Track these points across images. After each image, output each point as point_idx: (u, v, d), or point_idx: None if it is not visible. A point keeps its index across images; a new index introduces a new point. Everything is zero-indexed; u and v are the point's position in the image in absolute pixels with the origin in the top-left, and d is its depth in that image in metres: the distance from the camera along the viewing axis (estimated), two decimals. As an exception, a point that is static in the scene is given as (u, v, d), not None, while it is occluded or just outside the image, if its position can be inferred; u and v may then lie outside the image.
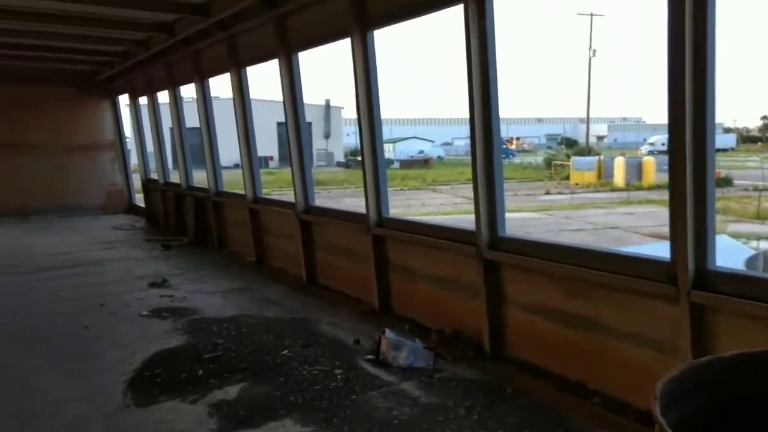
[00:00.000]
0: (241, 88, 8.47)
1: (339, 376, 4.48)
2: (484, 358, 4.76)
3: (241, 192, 9.06)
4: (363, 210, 6.12)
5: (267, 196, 8.74)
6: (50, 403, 4.11)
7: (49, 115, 14.37)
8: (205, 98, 9.75)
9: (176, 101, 10.93)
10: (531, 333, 4.55)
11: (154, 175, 13.32)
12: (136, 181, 15.37)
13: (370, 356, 4.87)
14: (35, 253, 9.83)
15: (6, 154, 13.89)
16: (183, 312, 6.25)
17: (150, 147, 13.70)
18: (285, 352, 5.04)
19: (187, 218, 10.86)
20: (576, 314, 4.17)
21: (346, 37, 5.80)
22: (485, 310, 4.79)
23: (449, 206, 22.82)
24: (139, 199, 15.64)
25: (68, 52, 11.31)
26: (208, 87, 9.77)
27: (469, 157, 4.80)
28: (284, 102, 7.24)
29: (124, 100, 14.80)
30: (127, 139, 15.91)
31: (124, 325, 5.85)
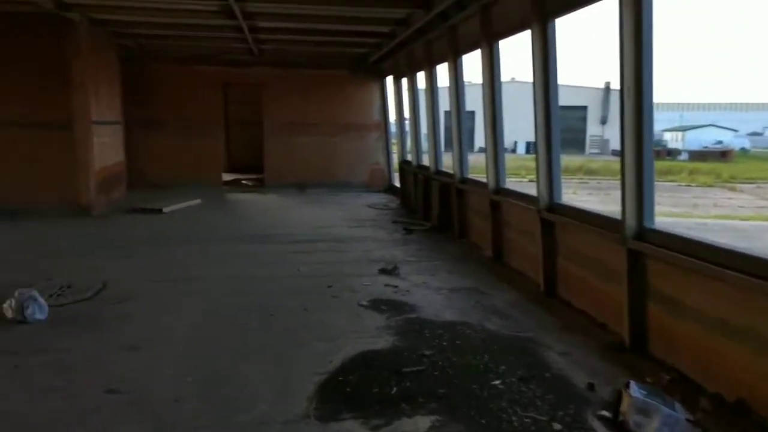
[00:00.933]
0: (491, 64, 7.65)
1: (556, 435, 3.43)
2: (785, 458, 3.19)
3: (485, 180, 8.31)
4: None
5: (510, 188, 7.79)
6: (240, 394, 3.95)
7: (328, 96, 15.61)
8: (456, 77, 9.18)
9: (431, 81, 10.63)
10: None
11: (411, 157, 13.40)
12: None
13: (604, 413, 3.68)
14: (299, 224, 10.61)
15: (288, 132, 15.55)
16: (401, 308, 5.79)
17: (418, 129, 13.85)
18: (497, 382, 4.15)
19: (433, 203, 10.56)
20: None
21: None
22: (795, 385, 3.19)
23: (749, 210, 18.63)
24: (397, 179, 16.13)
25: (344, 35, 11.91)
26: (461, 65, 9.17)
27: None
28: (534, 80, 6.19)
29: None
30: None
31: (340, 314, 5.62)
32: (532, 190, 6.74)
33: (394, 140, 16.09)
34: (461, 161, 9.34)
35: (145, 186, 14.44)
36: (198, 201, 12.80)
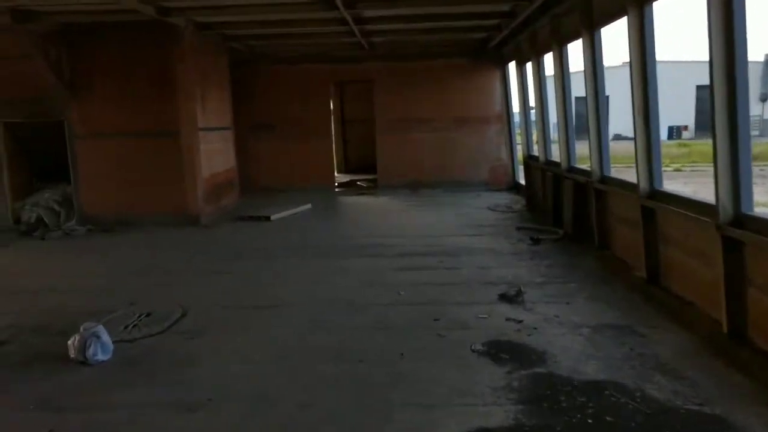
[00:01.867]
0: (642, 35, 5.98)
1: None
2: None
3: (632, 179, 6.66)
4: None
5: (671, 191, 6.07)
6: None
7: (442, 87, 14.38)
8: (594, 55, 7.53)
9: (561, 63, 8.99)
10: None
11: (538, 151, 11.79)
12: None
13: None
14: (407, 233, 9.49)
15: (401, 129, 14.51)
16: (527, 356, 4.45)
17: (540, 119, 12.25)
18: (677, 504, 2.72)
19: (565, 206, 8.95)
20: None
21: None
22: None
23: None
24: (522, 176, 14.50)
25: (458, 18, 10.62)
26: (599, 40, 7.51)
27: None
28: (711, 52, 4.52)
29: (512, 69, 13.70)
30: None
31: (445, 364, 4.39)
32: (682, 183, 5.06)
33: (518, 132, 14.49)
34: (600, 156, 7.67)
35: (258, 191, 14.23)
36: (308, 206, 12.20)
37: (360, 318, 5.42)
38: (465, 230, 9.44)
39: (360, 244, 8.63)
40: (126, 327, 5.33)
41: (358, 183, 16.53)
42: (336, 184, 15.84)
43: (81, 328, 4.71)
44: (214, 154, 11.54)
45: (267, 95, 14.57)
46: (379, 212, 11.87)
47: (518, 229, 9.45)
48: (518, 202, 12.42)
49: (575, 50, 9.09)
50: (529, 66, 11.70)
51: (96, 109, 10.45)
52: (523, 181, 13.76)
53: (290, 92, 14.57)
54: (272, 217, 11.04)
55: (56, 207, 10.49)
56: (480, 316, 5.36)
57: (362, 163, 18.55)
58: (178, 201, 10.62)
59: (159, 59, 10.37)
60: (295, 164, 14.65)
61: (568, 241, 8.30)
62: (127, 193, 10.61)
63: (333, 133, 16.28)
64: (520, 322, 5.16)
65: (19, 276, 7.44)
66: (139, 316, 5.59)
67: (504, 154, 14.61)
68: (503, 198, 13.05)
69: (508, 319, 5.24)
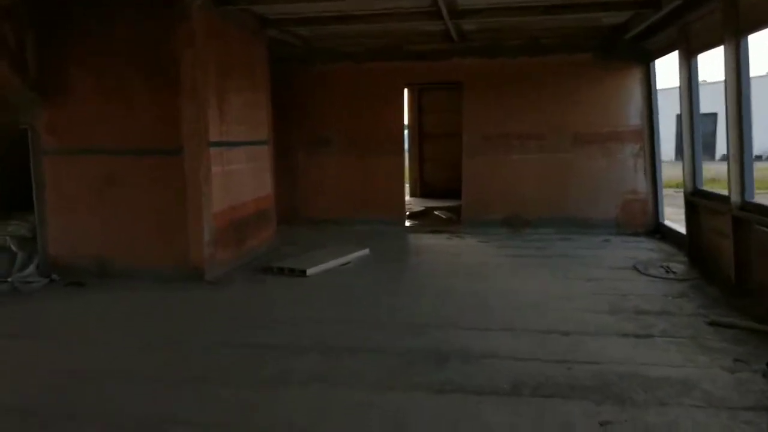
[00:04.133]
0: None
1: None
2: None
3: None
4: None
5: None
6: None
7: (556, 93, 10.56)
8: None
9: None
10: None
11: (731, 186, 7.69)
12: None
13: None
14: (516, 320, 5.72)
15: (497, 147, 10.77)
16: None
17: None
18: None
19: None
20: None
21: None
22: None
23: None
24: (671, 217, 10.40)
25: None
26: None
27: None
28: None
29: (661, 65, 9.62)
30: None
31: None
32: None
33: (665, 158, 10.39)
34: None
35: (305, 223, 11.06)
36: (364, 252, 8.73)
37: None
38: (617, 322, 5.53)
39: (434, 345, 4.93)
40: None
41: (436, 213, 13.00)
42: (407, 213, 12.30)
43: None
44: (237, 178, 8.29)
45: (322, 101, 11.30)
46: (466, 268, 8.03)
47: (713, 324, 5.44)
48: (672, 256, 8.33)
49: None
50: (704, 57, 7.69)
51: (71, 116, 7.45)
52: (673, 224, 9.71)
53: (352, 98, 11.24)
54: (309, 272, 7.60)
55: (13, 247, 7.56)
56: None
57: (442, 185, 15.49)
58: (178, 246, 7.41)
59: (158, 47, 7.24)
60: (356, 189, 11.29)
61: None
62: (110, 231, 7.54)
63: (406, 150, 12.89)
64: None
65: None
66: None
67: (642, 184, 10.48)
68: (646, 248, 8.96)
69: None
